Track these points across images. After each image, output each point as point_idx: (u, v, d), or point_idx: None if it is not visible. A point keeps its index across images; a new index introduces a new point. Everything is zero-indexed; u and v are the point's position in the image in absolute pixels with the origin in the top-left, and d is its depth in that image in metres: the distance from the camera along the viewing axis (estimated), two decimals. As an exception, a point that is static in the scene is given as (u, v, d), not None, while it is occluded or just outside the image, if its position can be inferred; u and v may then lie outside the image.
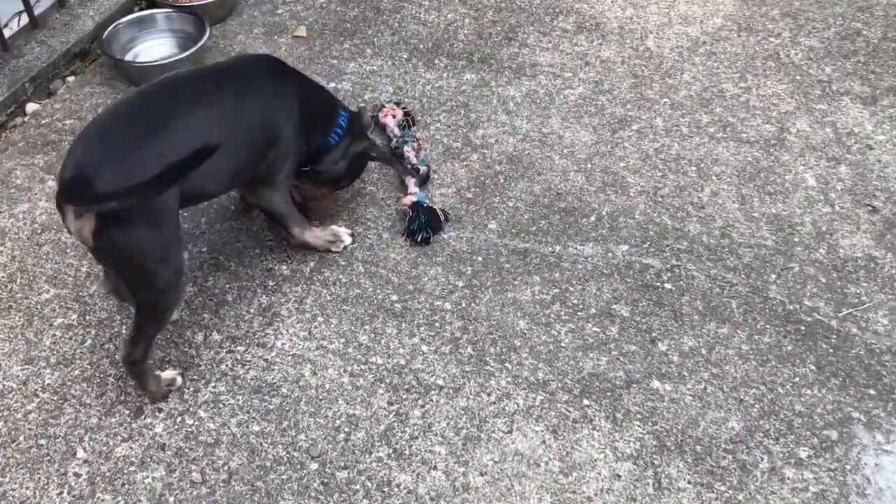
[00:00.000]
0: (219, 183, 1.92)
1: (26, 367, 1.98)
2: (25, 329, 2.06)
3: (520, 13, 3.19)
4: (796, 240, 2.29)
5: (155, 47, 2.93)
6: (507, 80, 2.86)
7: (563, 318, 2.11)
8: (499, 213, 2.39)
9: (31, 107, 2.71)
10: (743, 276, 2.21)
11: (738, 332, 2.07)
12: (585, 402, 1.93)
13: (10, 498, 1.74)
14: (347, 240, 2.26)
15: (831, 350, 2.02)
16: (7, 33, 2.79)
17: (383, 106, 2.65)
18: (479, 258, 2.26)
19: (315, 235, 2.21)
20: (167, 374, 1.93)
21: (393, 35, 3.08)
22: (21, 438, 1.84)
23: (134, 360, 1.81)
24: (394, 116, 2.60)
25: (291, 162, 2.06)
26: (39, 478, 1.78)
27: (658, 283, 2.19)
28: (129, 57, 2.84)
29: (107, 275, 1.97)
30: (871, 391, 1.93)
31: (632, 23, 3.13)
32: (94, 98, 2.78)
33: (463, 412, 1.91)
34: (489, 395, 1.94)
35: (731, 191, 2.45)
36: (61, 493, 1.76)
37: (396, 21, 3.15)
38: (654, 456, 1.83)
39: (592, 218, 2.37)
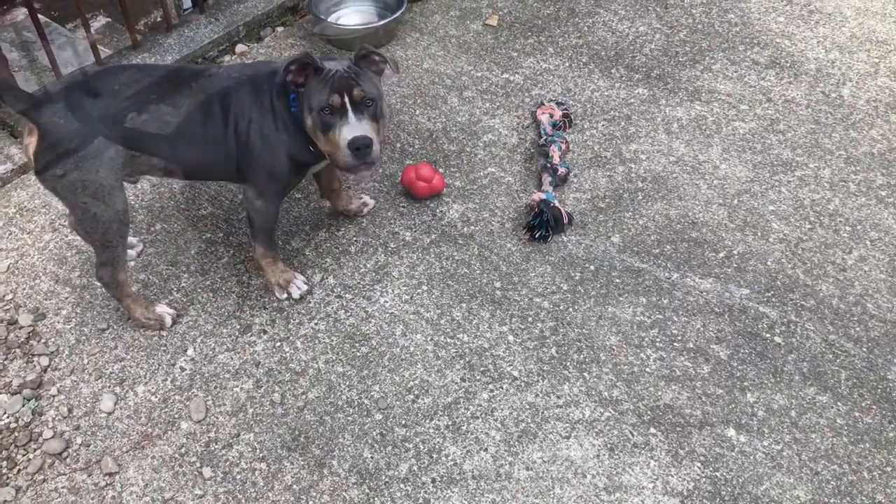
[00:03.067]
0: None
1: (170, 267, 2.27)
2: (179, 236, 2.35)
3: (714, 37, 3.11)
4: (939, 326, 2.10)
5: (357, 13, 3.17)
6: (678, 102, 2.82)
7: (657, 344, 2.09)
8: (625, 229, 2.38)
9: (239, 47, 3.04)
10: (864, 349, 2.06)
11: (839, 404, 1.95)
12: (652, 430, 1.91)
13: (127, 372, 2.03)
14: (296, 293, 2.18)
15: (938, 450, 1.86)
16: (237, -19, 3.14)
17: (543, 103, 2.71)
18: (592, 267, 2.28)
19: (273, 269, 2.17)
20: (159, 308, 2.10)
21: (579, 38, 3.12)
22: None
23: (100, 279, 1.99)
24: (551, 115, 2.65)
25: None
26: (153, 362, 2.05)
27: (768, 335, 2.10)
28: (331, 18, 3.09)
29: None
30: (970, 504, 1.76)
31: (832, 67, 2.96)
32: (293, 49, 3.06)
33: (528, 406, 1.96)
34: (558, 397, 1.98)
35: (883, 260, 2.28)
36: (166, 379, 2.02)
37: (587, 25, 3.19)
38: (705, 501, 1.78)
39: (721, 254, 2.31)
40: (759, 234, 2.36)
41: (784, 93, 2.85)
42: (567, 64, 2.99)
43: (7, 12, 3.64)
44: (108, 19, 4.11)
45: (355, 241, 2.36)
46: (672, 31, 3.14)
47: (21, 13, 3.40)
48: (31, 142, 1.77)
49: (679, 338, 2.10)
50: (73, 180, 1.78)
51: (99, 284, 2.06)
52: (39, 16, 3.19)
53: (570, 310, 2.17)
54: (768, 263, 2.28)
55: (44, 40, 2.54)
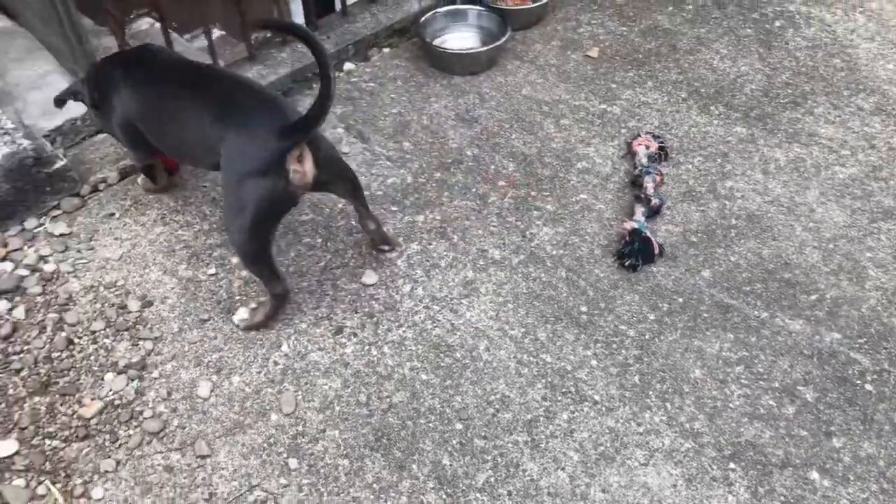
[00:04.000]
0: None
1: (270, 267, 2.38)
2: (280, 238, 2.47)
3: (818, 81, 3.08)
4: None
5: (459, 38, 3.27)
6: (777, 143, 2.80)
7: (742, 381, 2.08)
8: (716, 264, 2.38)
9: (347, 65, 3.18)
10: (961, 405, 2.00)
11: (931, 458, 1.90)
12: (732, 465, 1.90)
13: (224, 362, 2.14)
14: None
15: None
16: (350, 1, 3.29)
17: (640, 135, 2.74)
18: (680, 299, 2.28)
19: None
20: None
21: (679, 74, 3.14)
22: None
23: None
24: (647, 147, 2.68)
25: None
26: (248, 355, 2.16)
27: (858, 382, 2.06)
28: (436, 42, 3.20)
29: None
30: None
31: (941, 117, 2.89)
32: (397, 70, 3.18)
33: (608, 431, 1.97)
34: (639, 424, 1.99)
35: None
36: (260, 372, 2.11)
37: (687, 62, 3.20)
38: (783, 542, 1.76)
39: (813, 297, 2.28)
40: (855, 279, 2.32)
41: (889, 140, 2.80)
42: (665, 98, 3.02)
43: (133, 21, 3.90)
44: (223, 32, 4.34)
45: (445, 255, 2.42)
46: (774, 73, 3.13)
47: (145, 23, 3.63)
48: (308, 163, 1.94)
49: (765, 376, 2.09)
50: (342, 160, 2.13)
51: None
52: (159, 25, 3.41)
53: (656, 340, 2.18)
54: (862, 310, 2.24)
55: (169, 45, 2.71)
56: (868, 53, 3.22)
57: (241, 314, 2.22)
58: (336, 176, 2.12)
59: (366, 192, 2.58)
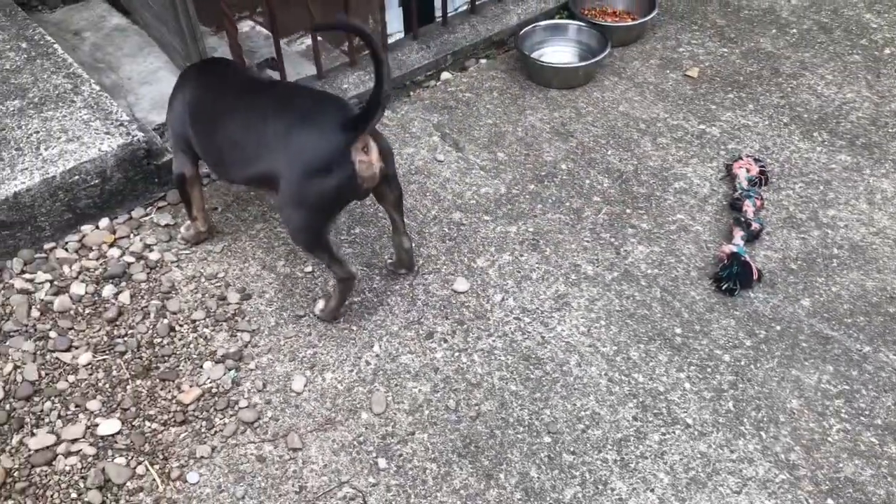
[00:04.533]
0: None
1: (365, 268, 2.42)
2: (375, 241, 2.50)
3: (929, 111, 2.98)
4: None
5: (558, 53, 3.28)
6: (884, 173, 2.71)
7: (842, 415, 2.01)
8: (817, 294, 2.31)
9: (444, 75, 3.21)
10: None
11: None
12: (829, 501, 1.84)
13: (317, 358, 2.17)
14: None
15: None
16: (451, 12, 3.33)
17: (741, 157, 2.69)
18: (778, 327, 2.23)
19: None
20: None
21: (781, 98, 3.07)
22: (341, 320, 2.27)
23: None
24: (747, 170, 2.63)
25: None
26: (341, 353, 2.19)
27: (968, 425, 1.98)
28: (534, 55, 3.21)
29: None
30: None
31: None
32: (493, 81, 3.20)
33: (699, 456, 1.94)
34: (732, 451, 1.94)
35: None
36: (352, 370, 2.15)
37: (790, 86, 3.13)
38: (883, 586, 1.69)
39: (920, 334, 2.20)
40: (966, 319, 2.23)
41: None
42: (766, 122, 2.95)
43: (239, 21, 4.02)
44: (320, 38, 4.43)
45: (537, 268, 2.42)
46: (883, 101, 3.04)
47: (246, 25, 3.74)
48: (374, 148, 1.97)
49: (867, 412, 2.02)
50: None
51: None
52: (260, 28, 3.52)
53: (752, 367, 2.13)
54: (974, 351, 2.15)
55: (278, 53, 2.79)
56: (984, 85, 3.09)
57: (320, 304, 2.27)
58: (392, 176, 2.12)
59: (458, 201, 2.62)
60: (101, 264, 2.41)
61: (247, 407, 2.06)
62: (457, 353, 2.18)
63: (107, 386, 2.10)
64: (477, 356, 2.18)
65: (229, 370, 2.14)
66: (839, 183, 2.69)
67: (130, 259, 2.42)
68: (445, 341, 2.22)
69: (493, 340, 2.21)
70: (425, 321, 2.27)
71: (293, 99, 2.06)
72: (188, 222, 2.46)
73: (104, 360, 2.16)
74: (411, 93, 3.12)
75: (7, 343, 2.18)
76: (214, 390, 2.10)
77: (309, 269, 2.42)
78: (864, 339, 2.19)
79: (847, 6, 3.61)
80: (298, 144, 1.96)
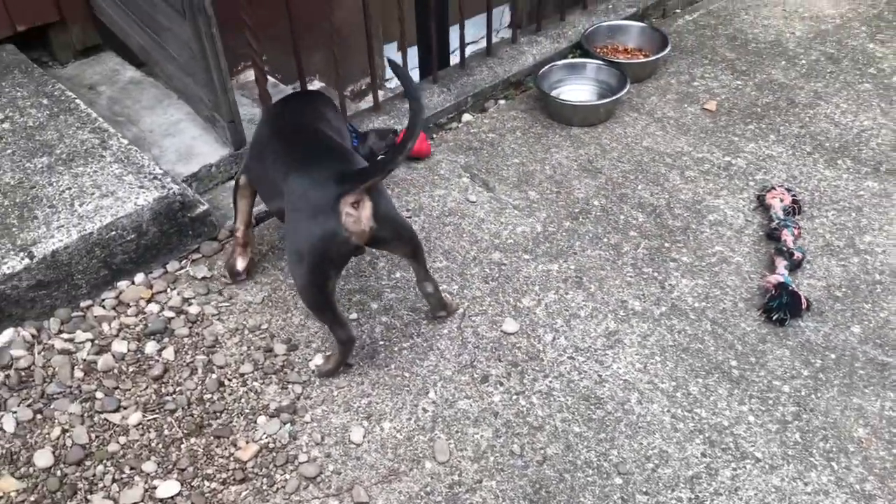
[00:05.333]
0: None
1: (411, 313, 2.39)
2: (417, 286, 2.47)
3: (946, 136, 3.03)
4: None
5: (577, 91, 3.30)
6: (913, 197, 2.75)
7: (910, 442, 2.00)
8: (866, 320, 2.32)
9: (466, 116, 3.22)
10: None
11: None
12: (911, 531, 1.82)
13: (373, 407, 2.13)
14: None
15: None
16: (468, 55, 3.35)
17: (773, 188, 2.71)
18: (832, 356, 2.22)
19: None
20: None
21: (801, 128, 3.12)
22: (392, 367, 2.24)
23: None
24: (781, 200, 2.65)
25: None
26: (397, 401, 2.15)
27: None
28: (553, 94, 3.23)
29: None
30: None
31: None
32: (515, 121, 3.21)
33: (774, 490, 1.91)
34: (806, 484, 1.92)
35: None
36: (409, 418, 2.10)
37: (808, 116, 3.18)
38: None
39: (973, 356, 2.20)
40: None
41: None
42: (790, 152, 2.99)
43: (240, 73, 4.03)
44: (323, 84, 4.45)
45: (584, 305, 2.40)
46: (899, 127, 3.09)
47: (251, 74, 3.75)
48: (366, 205, 1.92)
49: (934, 438, 2.01)
50: (402, 218, 2.14)
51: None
52: (269, 77, 3.51)
53: (813, 396, 2.12)
54: None
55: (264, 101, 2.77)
56: None
57: (317, 360, 2.24)
58: (395, 235, 2.07)
59: (496, 241, 2.60)
60: (140, 320, 2.35)
61: (307, 461, 2.00)
62: (514, 396, 2.15)
63: (160, 446, 2.03)
64: (535, 398, 2.14)
65: (285, 424, 2.08)
66: (870, 209, 2.71)
67: (170, 314, 2.37)
68: (501, 384, 2.18)
69: (550, 381, 2.18)
70: (478, 364, 2.24)
71: (305, 143, 2.10)
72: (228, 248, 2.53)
73: (155, 418, 2.09)
74: (434, 135, 3.12)
75: (52, 406, 2.11)
76: (272, 445, 2.04)
77: (353, 315, 2.38)
78: (919, 364, 2.19)
79: (850, 37, 3.69)
80: (291, 190, 1.98)
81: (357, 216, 1.92)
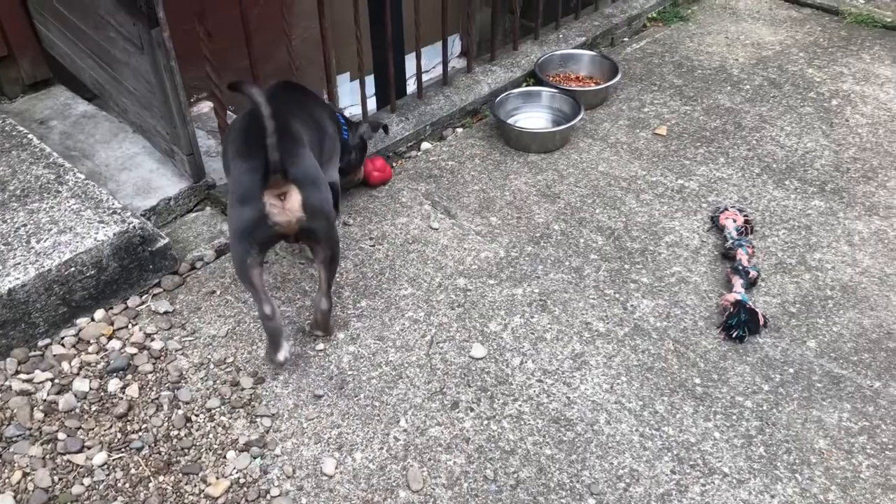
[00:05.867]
0: None
1: (378, 342, 2.39)
2: (383, 313, 2.48)
3: (884, 156, 3.17)
4: None
5: (532, 118, 3.37)
6: (857, 216, 2.86)
7: (868, 451, 2.07)
8: (820, 334, 2.40)
9: (424, 145, 3.26)
10: None
11: None
12: (875, 538, 1.88)
13: (344, 437, 2.12)
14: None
15: None
16: (426, 83, 3.40)
17: (726, 209, 2.79)
18: (791, 370, 2.29)
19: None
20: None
21: (749, 151, 3.22)
22: (362, 396, 2.23)
23: (329, 307, 2.29)
24: (734, 220, 2.73)
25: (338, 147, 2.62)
26: (367, 430, 2.14)
27: None
28: (510, 121, 3.29)
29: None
30: None
31: None
32: (473, 148, 3.26)
33: (742, 503, 1.95)
34: (773, 497, 1.97)
35: None
36: (381, 448, 2.09)
37: (755, 139, 3.30)
38: None
39: (922, 366, 2.29)
40: (960, 348, 2.34)
41: (965, 212, 2.86)
42: (740, 174, 3.09)
43: (193, 105, 4.00)
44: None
45: (550, 328, 2.44)
46: (841, 149, 3.22)
47: (206, 106, 3.73)
48: (294, 198, 2.03)
49: (890, 446, 2.08)
50: (330, 206, 2.18)
51: (320, 334, 2.39)
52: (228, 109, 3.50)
53: (774, 410, 2.18)
54: (974, 378, 2.25)
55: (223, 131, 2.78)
56: (928, 129, 3.32)
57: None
58: (320, 233, 2.16)
59: (460, 267, 2.63)
60: (102, 358, 2.31)
61: (279, 495, 1.98)
62: (485, 421, 2.16)
63: (127, 486, 1.98)
64: (506, 422, 2.16)
65: (255, 458, 2.06)
66: (818, 227, 2.82)
67: (133, 350, 2.33)
68: (472, 410, 2.19)
69: (520, 405, 2.20)
70: (448, 391, 2.25)
71: (258, 130, 2.08)
72: None
73: (120, 458, 2.05)
74: (395, 164, 3.14)
75: (11, 449, 2.04)
76: (242, 480, 2.01)
77: (320, 346, 2.37)
78: (872, 375, 2.27)
79: (790, 62, 3.84)
80: (233, 174, 2.16)
81: (281, 207, 2.04)
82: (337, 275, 2.57)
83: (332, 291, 2.30)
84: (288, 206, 2.04)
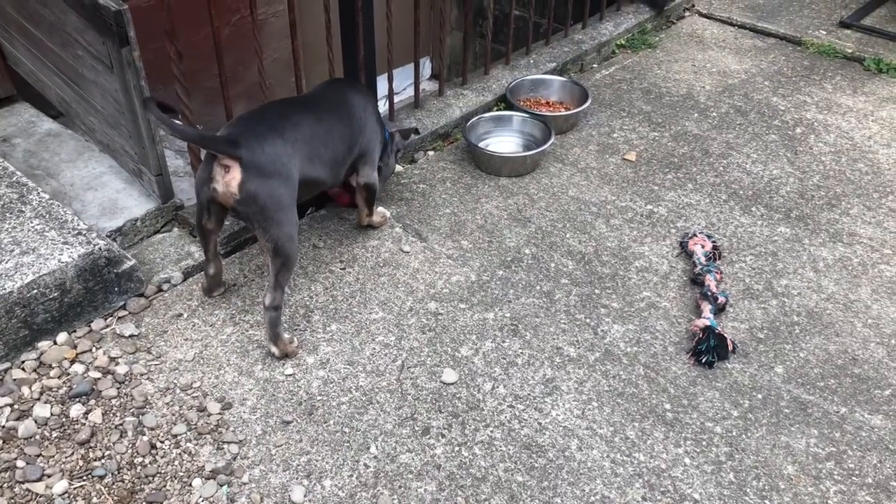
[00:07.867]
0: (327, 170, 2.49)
1: (348, 366, 2.36)
2: (354, 337, 2.46)
3: (847, 184, 3.24)
4: None
5: (503, 142, 3.38)
6: (822, 242, 2.91)
7: (836, 477, 2.09)
8: (787, 360, 2.43)
9: (396, 167, 3.25)
10: None
11: None
12: (843, 564, 1.89)
13: (313, 465, 2.08)
14: (388, 214, 2.91)
15: None
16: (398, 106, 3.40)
17: (695, 235, 2.82)
18: (759, 396, 2.31)
19: (379, 213, 2.88)
20: (287, 335, 2.38)
21: (716, 177, 3.27)
22: (332, 422, 2.20)
23: (274, 303, 2.29)
24: (703, 246, 2.76)
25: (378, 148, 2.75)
26: (337, 457, 2.11)
27: (949, 476, 2.09)
28: (481, 145, 3.30)
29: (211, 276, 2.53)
30: None
31: (969, 217, 3.04)
32: (444, 172, 3.26)
33: (713, 530, 1.96)
34: (743, 523, 1.97)
35: None
36: (351, 475, 2.06)
37: (722, 166, 3.35)
38: None
39: (887, 392, 2.33)
40: (922, 374, 2.38)
41: (925, 239, 2.93)
42: (708, 200, 3.13)
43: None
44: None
45: (521, 353, 2.43)
46: (805, 176, 3.28)
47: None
48: (234, 175, 2.16)
49: (857, 472, 2.10)
50: (277, 199, 2.20)
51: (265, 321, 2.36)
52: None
53: (744, 436, 2.19)
54: (936, 404, 2.29)
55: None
56: (888, 159, 3.40)
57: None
58: (255, 221, 2.23)
59: (431, 290, 2.62)
60: (64, 382, 2.25)
61: (246, 524, 1.94)
62: (457, 448, 2.14)
63: (88, 516, 1.93)
64: (478, 449, 2.14)
65: (222, 486, 2.01)
66: (784, 254, 2.86)
67: (96, 374, 2.27)
68: (443, 436, 2.17)
69: (491, 431, 2.19)
70: (419, 416, 2.22)
71: (277, 110, 2.39)
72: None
73: (82, 486, 1.99)
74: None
75: (-32, 478, 1.98)
76: (208, 509, 1.97)
77: (289, 371, 2.34)
78: (838, 401, 2.30)
79: (755, 91, 3.92)
80: None
81: (220, 180, 2.18)
82: (307, 298, 2.55)
83: (282, 294, 2.32)
84: (226, 180, 2.17)
